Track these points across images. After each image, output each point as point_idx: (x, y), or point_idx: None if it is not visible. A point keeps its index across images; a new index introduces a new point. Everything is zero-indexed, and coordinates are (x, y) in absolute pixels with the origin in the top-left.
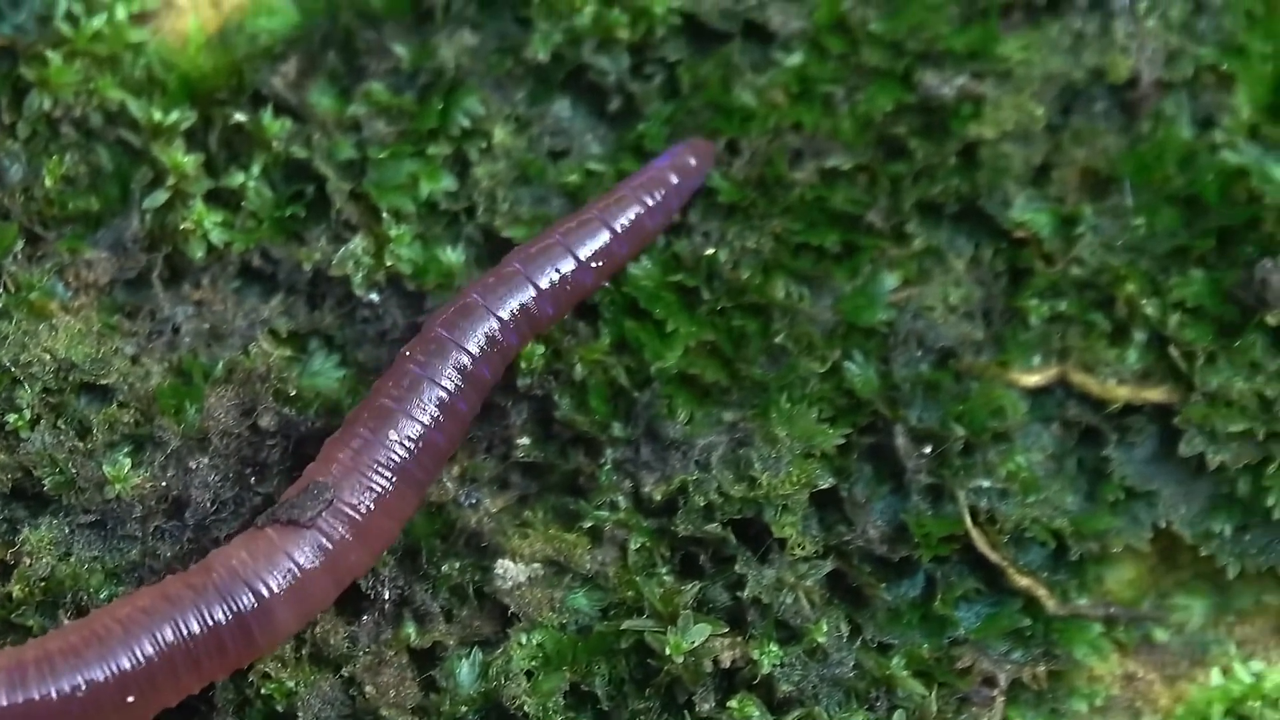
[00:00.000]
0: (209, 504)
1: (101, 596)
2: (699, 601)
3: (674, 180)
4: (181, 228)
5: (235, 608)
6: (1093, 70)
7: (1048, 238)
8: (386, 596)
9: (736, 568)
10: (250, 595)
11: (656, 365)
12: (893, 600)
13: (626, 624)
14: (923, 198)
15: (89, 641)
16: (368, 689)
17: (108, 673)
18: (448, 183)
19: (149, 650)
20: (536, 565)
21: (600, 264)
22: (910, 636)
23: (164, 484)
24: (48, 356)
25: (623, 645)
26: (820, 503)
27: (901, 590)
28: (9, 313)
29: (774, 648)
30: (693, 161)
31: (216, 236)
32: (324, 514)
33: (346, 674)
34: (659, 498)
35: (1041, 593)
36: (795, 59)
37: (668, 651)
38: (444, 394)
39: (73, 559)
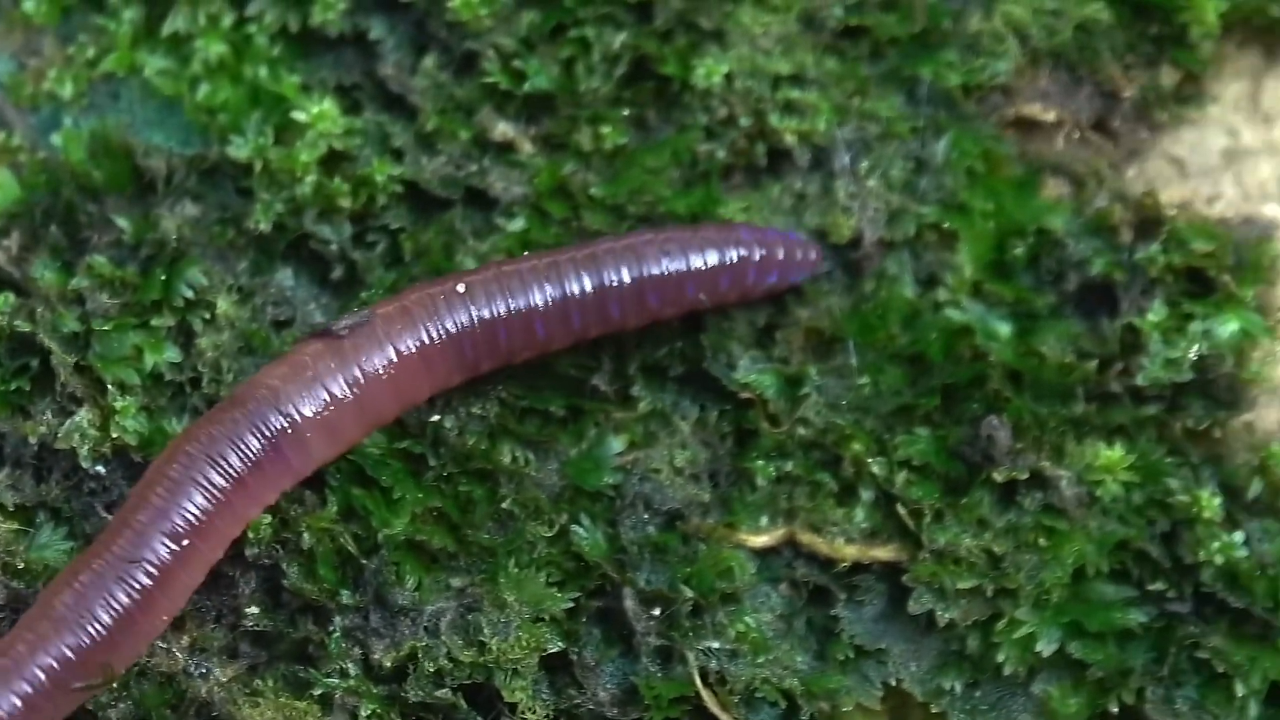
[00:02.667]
0: None
1: None
2: None
3: (776, 255)
4: None
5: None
6: (815, 230)
7: (773, 399)
8: None
9: None
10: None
11: (384, 532)
12: None
13: None
14: (647, 361)
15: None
16: None
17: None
18: (172, 354)
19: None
20: None
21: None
22: None
23: None
24: None
25: None
26: (550, 666)
27: None
28: None
29: None
30: (808, 256)
31: None
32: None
33: None
34: (389, 664)
35: None
36: (517, 224)
37: None
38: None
39: None
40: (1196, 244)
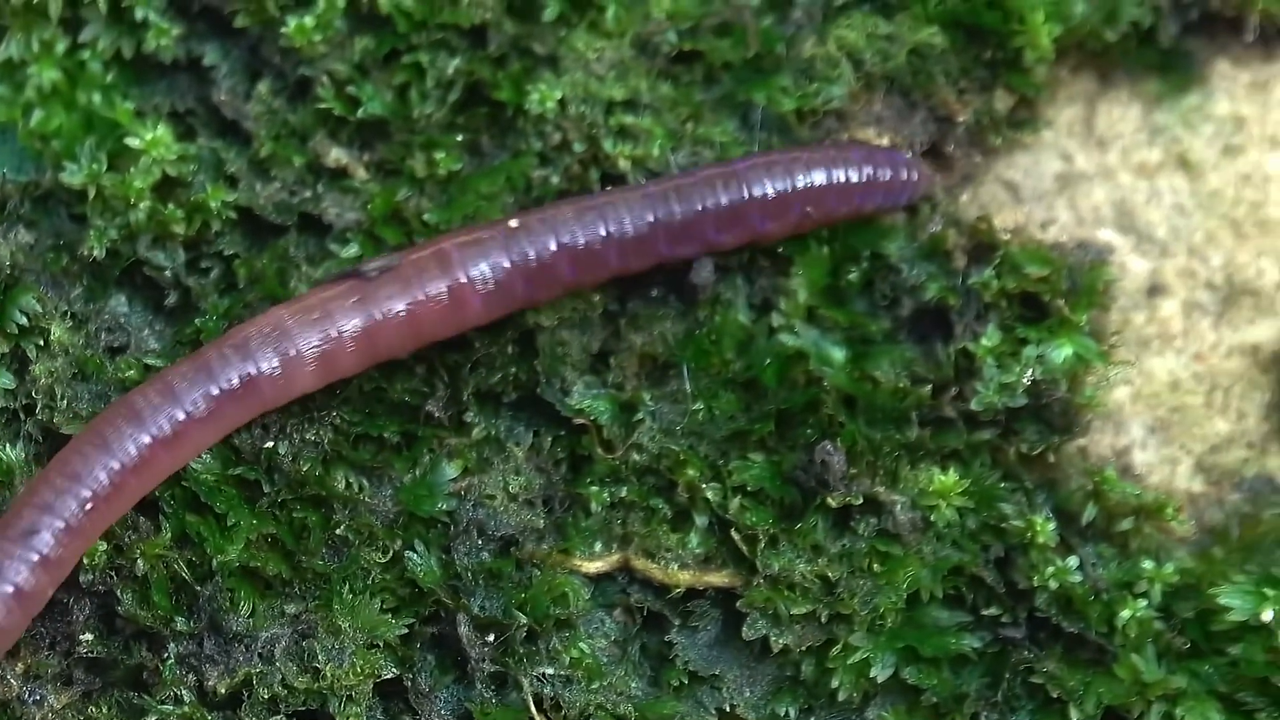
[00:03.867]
0: None
1: None
2: None
3: (884, 174)
4: None
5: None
6: None
7: (607, 425)
8: None
9: None
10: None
11: (218, 559)
12: None
13: None
14: (481, 387)
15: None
16: None
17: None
18: (6, 380)
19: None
20: None
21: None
22: None
23: None
24: None
25: None
26: (385, 693)
27: None
28: None
29: None
30: (912, 175)
31: None
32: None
33: None
34: (223, 691)
35: None
36: (351, 250)
37: None
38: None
39: None
40: (1030, 269)
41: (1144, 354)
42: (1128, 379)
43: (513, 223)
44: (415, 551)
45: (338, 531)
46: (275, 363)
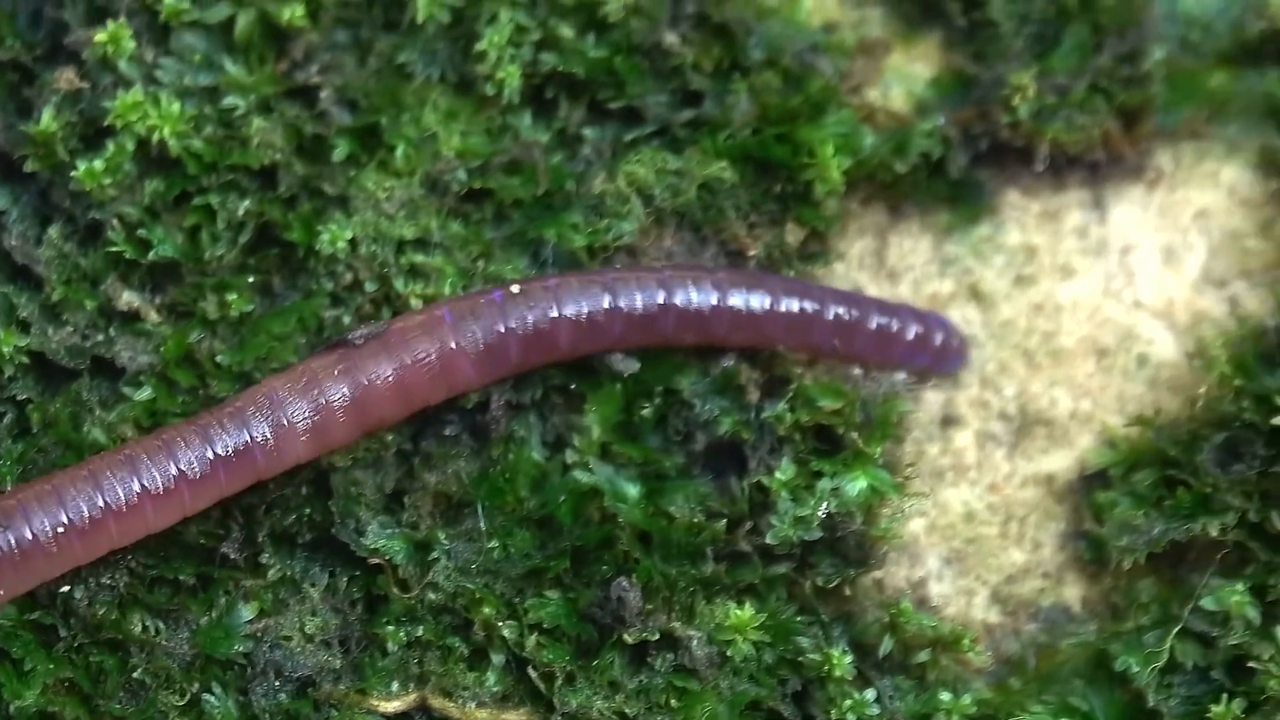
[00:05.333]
0: None
1: None
2: None
3: (928, 337)
4: None
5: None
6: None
7: (402, 564)
8: None
9: None
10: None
11: (15, 704)
12: None
13: None
14: (276, 528)
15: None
16: None
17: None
18: None
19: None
20: None
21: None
22: None
23: None
24: None
25: None
26: None
27: None
28: None
29: None
30: (953, 344)
31: None
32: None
33: None
34: None
35: None
36: (144, 393)
37: None
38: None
39: None
40: (824, 402)
41: (939, 485)
42: (923, 511)
43: (514, 288)
44: (213, 694)
45: (135, 675)
46: (268, 432)
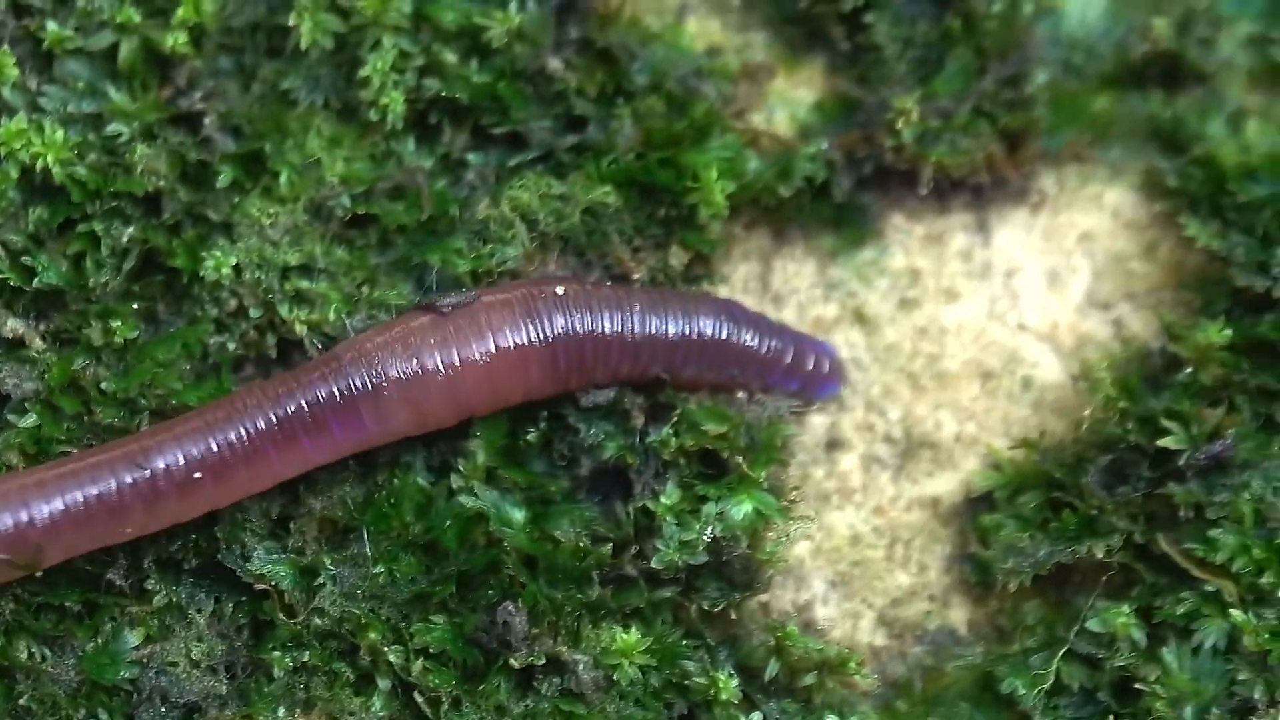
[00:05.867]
0: None
1: None
2: None
3: (802, 362)
4: None
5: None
6: None
7: (288, 589)
8: None
9: None
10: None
11: None
12: None
13: None
14: (162, 554)
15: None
16: None
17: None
18: None
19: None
20: None
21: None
22: None
23: None
24: None
25: None
26: None
27: None
28: None
29: None
30: (826, 369)
31: None
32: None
33: None
34: None
35: None
36: (29, 420)
37: None
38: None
39: None
40: (708, 426)
41: (824, 509)
42: (808, 534)
43: (559, 290)
44: None
45: (21, 702)
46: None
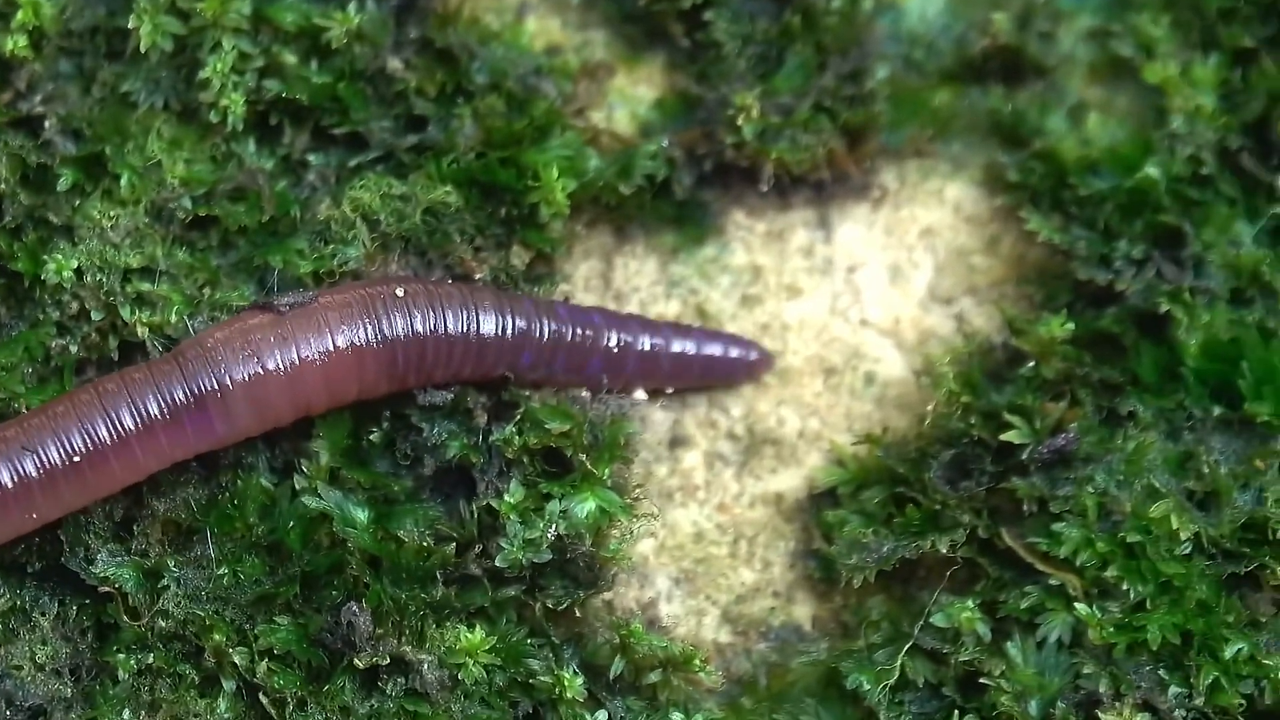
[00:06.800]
0: None
1: None
2: None
3: (722, 353)
4: None
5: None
6: None
7: (132, 592)
8: None
9: None
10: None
11: None
12: None
13: None
14: (5, 557)
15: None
16: None
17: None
18: None
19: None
20: None
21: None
22: None
23: None
24: None
25: None
26: None
27: None
28: None
29: None
30: (752, 358)
31: None
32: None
33: None
34: None
35: None
36: None
37: None
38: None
39: None
40: (552, 424)
41: (668, 506)
42: (652, 532)
43: (399, 291)
44: None
45: None
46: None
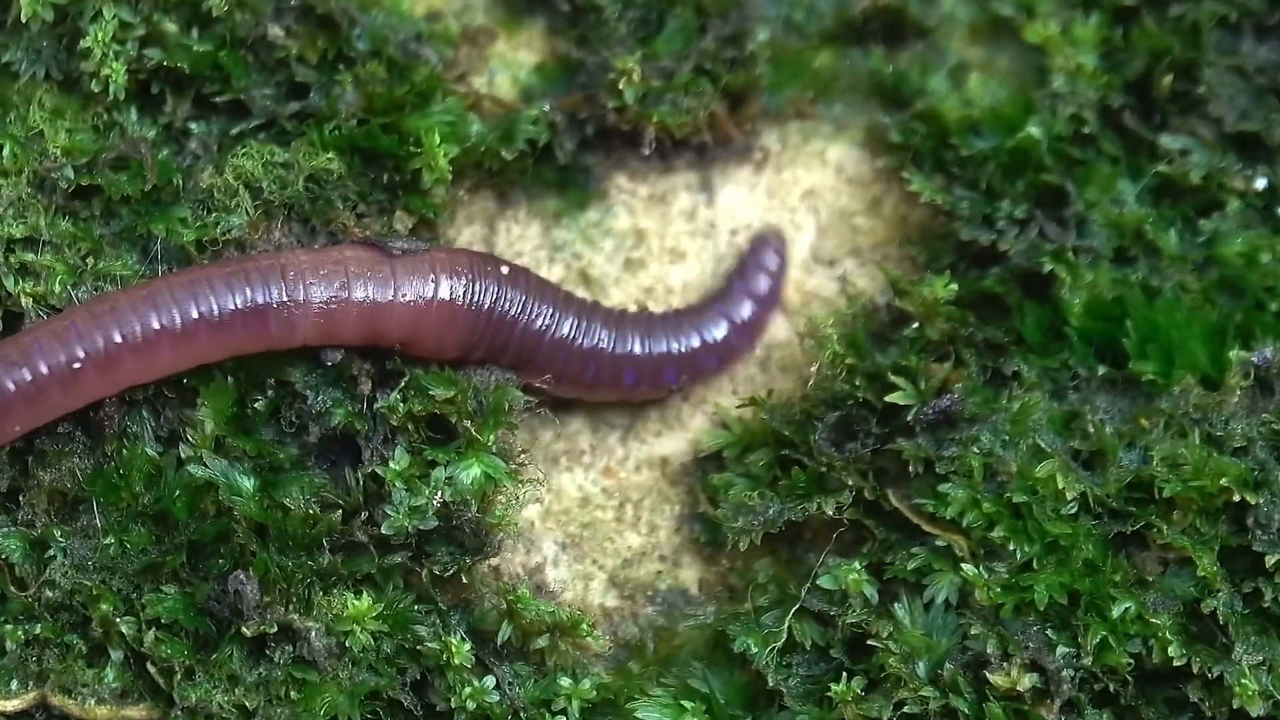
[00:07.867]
0: None
1: None
2: None
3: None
4: None
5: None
6: None
7: (19, 562)
8: None
9: None
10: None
11: None
12: None
13: None
14: None
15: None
16: None
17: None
18: None
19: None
20: None
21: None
22: None
23: None
24: None
25: None
26: None
27: None
28: None
29: None
30: (774, 254)
31: None
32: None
33: None
34: None
35: None
36: None
37: None
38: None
39: None
40: (436, 391)
41: (553, 471)
42: (537, 497)
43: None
44: None
45: None
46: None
